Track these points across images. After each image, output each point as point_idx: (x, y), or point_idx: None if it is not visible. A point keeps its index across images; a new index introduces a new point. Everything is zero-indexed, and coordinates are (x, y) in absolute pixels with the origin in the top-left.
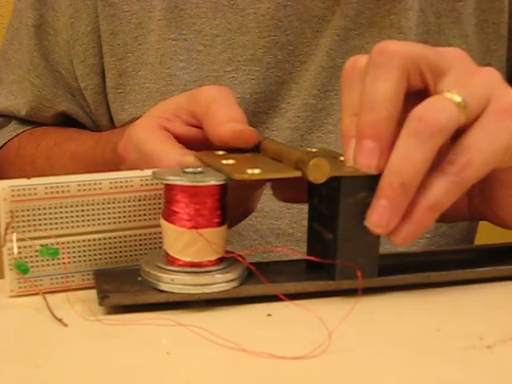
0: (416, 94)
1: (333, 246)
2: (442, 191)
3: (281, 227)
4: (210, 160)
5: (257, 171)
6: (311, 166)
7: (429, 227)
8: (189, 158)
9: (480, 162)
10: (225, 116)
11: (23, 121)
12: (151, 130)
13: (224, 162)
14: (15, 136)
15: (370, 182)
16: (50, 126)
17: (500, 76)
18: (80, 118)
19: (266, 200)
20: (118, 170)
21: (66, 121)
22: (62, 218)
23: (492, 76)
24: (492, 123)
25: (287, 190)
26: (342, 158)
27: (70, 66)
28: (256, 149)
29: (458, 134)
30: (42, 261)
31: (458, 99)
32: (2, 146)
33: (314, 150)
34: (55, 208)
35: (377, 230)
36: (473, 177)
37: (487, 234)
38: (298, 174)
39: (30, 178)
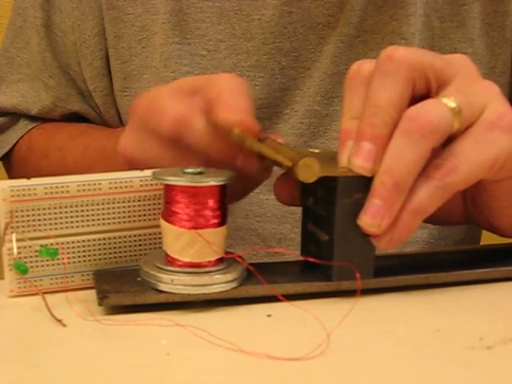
0: (418, 98)
1: (329, 247)
2: (426, 195)
3: (283, 232)
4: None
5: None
6: (301, 166)
7: (413, 233)
8: (196, 113)
9: (465, 170)
10: (232, 105)
11: (33, 118)
12: (168, 90)
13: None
14: (27, 132)
15: (366, 183)
16: (61, 122)
17: (499, 90)
18: (92, 118)
19: (269, 205)
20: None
21: (76, 119)
22: (61, 218)
23: (490, 88)
24: (481, 133)
25: (288, 192)
26: None
27: (77, 68)
28: None
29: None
30: (42, 261)
31: (453, 104)
32: (15, 143)
33: (316, 150)
34: (55, 208)
35: (370, 230)
36: (457, 183)
37: (491, 235)
38: (288, 163)
39: (42, 172)
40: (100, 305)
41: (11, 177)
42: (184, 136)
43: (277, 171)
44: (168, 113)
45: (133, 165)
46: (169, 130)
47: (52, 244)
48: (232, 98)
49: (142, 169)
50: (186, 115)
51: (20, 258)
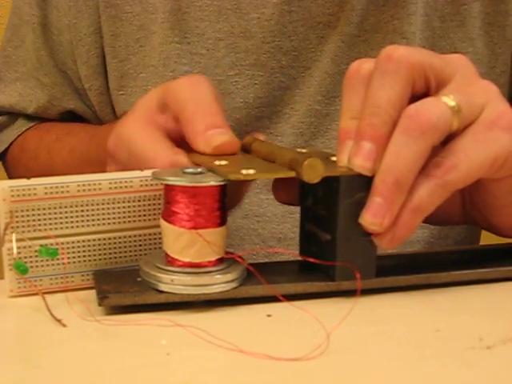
0: (417, 97)
1: (331, 247)
2: (426, 193)
3: (282, 231)
4: (202, 161)
5: (251, 171)
6: (305, 167)
7: (414, 231)
8: (181, 157)
9: (465, 168)
10: (200, 125)
11: (30, 117)
12: (141, 127)
13: (217, 162)
14: (23, 132)
15: (368, 182)
16: (55, 121)
17: (497, 90)
18: (88, 116)
19: (268, 205)
20: (108, 168)
21: (73, 118)
22: (61, 218)
23: (489, 88)
24: (481, 132)
25: (287, 191)
26: (333, 159)
27: (73, 67)
28: (247, 149)
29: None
30: (42, 261)
31: (452, 103)
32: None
33: (304, 150)
34: (55, 208)
35: (371, 228)
36: (457, 181)
37: (491, 235)
38: (292, 174)
39: (32, 173)
40: (100, 305)
41: (8, 175)
42: None
43: None
44: (152, 166)
45: None
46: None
47: (52, 244)
48: (197, 113)
49: (133, 169)
50: (170, 165)
51: (20, 258)
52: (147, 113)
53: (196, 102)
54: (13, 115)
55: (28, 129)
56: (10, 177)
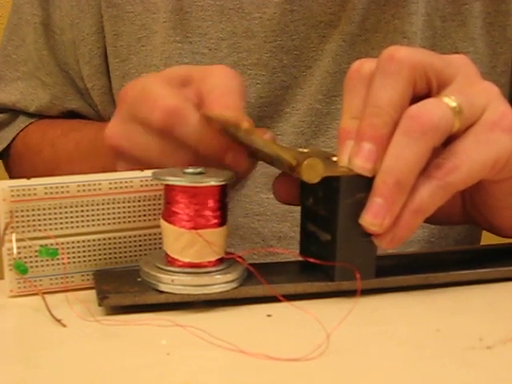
0: (419, 98)
1: (331, 248)
2: (427, 195)
3: (283, 230)
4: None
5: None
6: (305, 166)
7: (414, 232)
8: (190, 106)
9: (466, 169)
10: (223, 103)
11: (31, 115)
12: (160, 79)
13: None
14: (24, 128)
15: (368, 183)
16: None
17: (499, 91)
18: (91, 116)
19: (269, 204)
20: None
21: (75, 117)
22: (61, 218)
23: (491, 89)
24: (483, 133)
25: (287, 191)
26: (334, 159)
27: (76, 67)
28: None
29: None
30: (42, 261)
31: (454, 104)
32: (13, 139)
33: (305, 150)
34: (55, 208)
35: (372, 229)
36: (458, 183)
37: (491, 235)
38: (293, 161)
39: (37, 168)
40: (100, 305)
41: (10, 173)
42: (175, 129)
43: (275, 170)
44: (160, 103)
45: (118, 154)
46: (160, 121)
47: (52, 244)
48: (224, 96)
49: (140, 168)
50: (179, 107)
51: (20, 258)
52: (167, 77)
53: (224, 91)
54: (14, 113)
55: (29, 124)
56: (14, 174)
